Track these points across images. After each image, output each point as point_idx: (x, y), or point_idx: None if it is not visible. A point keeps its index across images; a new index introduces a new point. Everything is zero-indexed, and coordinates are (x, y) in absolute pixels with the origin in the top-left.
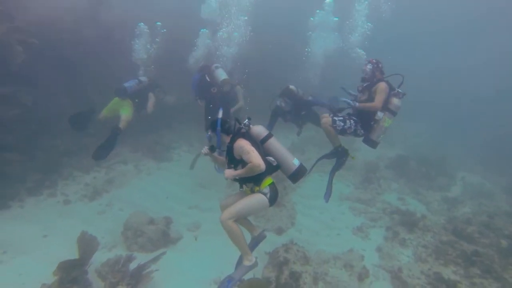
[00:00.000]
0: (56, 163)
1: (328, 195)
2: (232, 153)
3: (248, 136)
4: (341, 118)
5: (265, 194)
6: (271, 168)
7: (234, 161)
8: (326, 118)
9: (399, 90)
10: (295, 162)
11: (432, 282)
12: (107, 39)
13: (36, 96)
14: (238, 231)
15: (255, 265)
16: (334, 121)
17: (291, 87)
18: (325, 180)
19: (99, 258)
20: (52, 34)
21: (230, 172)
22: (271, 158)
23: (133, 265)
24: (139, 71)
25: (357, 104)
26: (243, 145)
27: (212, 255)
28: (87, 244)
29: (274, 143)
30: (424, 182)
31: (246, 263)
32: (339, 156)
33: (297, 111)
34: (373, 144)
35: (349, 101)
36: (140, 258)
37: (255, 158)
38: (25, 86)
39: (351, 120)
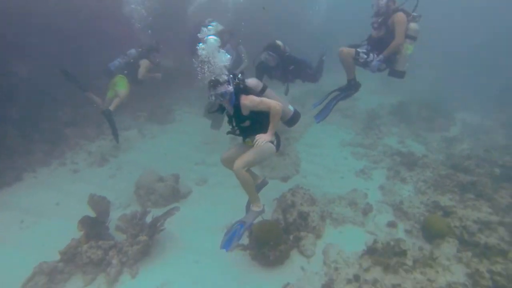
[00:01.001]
0: (62, 133)
1: (322, 116)
2: (239, 110)
3: (249, 90)
4: (365, 50)
5: (272, 142)
6: None
7: (242, 118)
8: (348, 49)
9: (414, 14)
10: (291, 108)
11: (430, 209)
12: (98, 5)
13: (32, 68)
14: (250, 179)
15: (263, 211)
16: (357, 53)
17: (277, 41)
18: (328, 129)
19: (117, 216)
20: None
21: (266, 136)
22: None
23: (148, 219)
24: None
25: (382, 56)
26: (254, 99)
27: (221, 205)
28: (98, 204)
29: (271, 93)
30: (424, 125)
31: (255, 208)
32: (351, 88)
33: (284, 66)
34: (401, 74)
35: (376, 62)
36: (154, 213)
37: (271, 102)
38: (19, 57)
39: (374, 54)
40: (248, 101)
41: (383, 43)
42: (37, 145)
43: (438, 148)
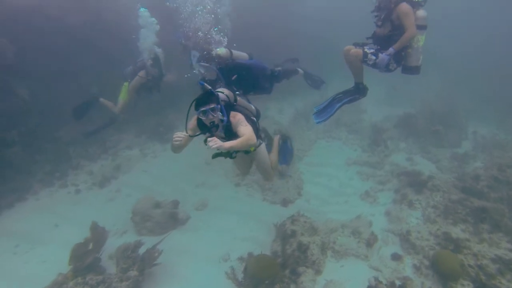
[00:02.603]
0: (64, 154)
1: (322, 117)
2: (230, 129)
3: (235, 106)
4: (373, 50)
5: (261, 144)
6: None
7: (232, 135)
8: (355, 51)
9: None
10: (253, 107)
11: (441, 242)
12: (95, 23)
13: (33, 88)
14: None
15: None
16: (365, 55)
17: (218, 49)
18: (333, 145)
19: (113, 243)
20: (37, 22)
21: (226, 144)
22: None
23: (142, 250)
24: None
25: (392, 49)
26: (242, 122)
27: (220, 233)
28: (97, 234)
29: (242, 101)
30: (433, 140)
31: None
32: (359, 93)
33: (226, 76)
34: (415, 70)
35: (385, 56)
36: (150, 241)
37: (252, 135)
38: (20, 78)
39: (383, 54)
40: (236, 121)
41: (391, 41)
42: (39, 166)
43: (449, 166)
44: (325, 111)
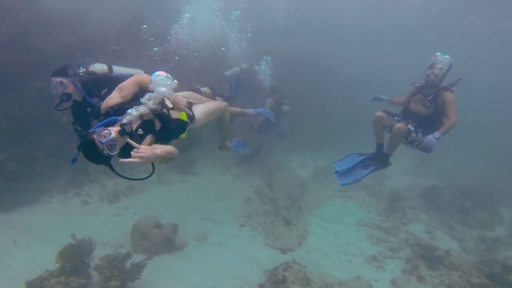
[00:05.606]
0: (86, 165)
1: (350, 181)
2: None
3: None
4: (414, 129)
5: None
6: None
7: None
8: (401, 126)
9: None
10: None
11: None
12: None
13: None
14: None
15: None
16: (409, 131)
17: (94, 65)
18: (348, 205)
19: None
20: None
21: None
22: None
23: (130, 263)
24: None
25: (439, 134)
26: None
27: (212, 266)
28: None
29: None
30: (459, 216)
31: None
32: (384, 163)
33: (93, 92)
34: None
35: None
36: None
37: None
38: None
39: (420, 133)
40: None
41: (429, 121)
42: (62, 173)
43: (475, 248)
44: (350, 174)
